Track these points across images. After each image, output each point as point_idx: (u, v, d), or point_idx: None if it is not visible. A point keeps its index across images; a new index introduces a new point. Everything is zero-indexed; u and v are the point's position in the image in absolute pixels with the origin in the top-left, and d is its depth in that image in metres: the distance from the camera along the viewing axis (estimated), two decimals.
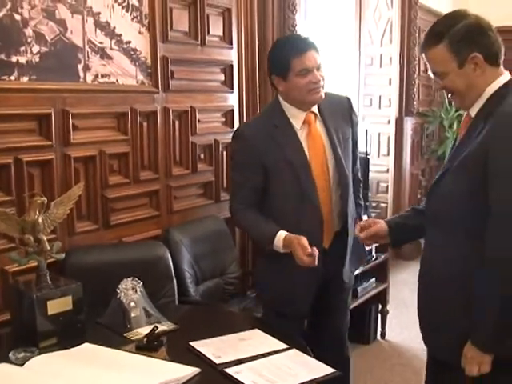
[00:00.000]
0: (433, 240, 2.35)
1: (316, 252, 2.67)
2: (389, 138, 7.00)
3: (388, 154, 7.00)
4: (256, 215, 2.98)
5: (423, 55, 2.28)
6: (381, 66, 6.90)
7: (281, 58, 2.88)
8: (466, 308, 2.17)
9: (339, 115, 3.02)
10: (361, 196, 3.28)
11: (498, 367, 2.15)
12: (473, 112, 2.24)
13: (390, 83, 6.90)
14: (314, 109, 2.97)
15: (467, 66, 2.16)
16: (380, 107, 6.99)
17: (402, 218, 2.73)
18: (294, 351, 2.42)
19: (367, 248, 2.68)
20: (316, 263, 2.67)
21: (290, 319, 2.96)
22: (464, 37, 2.15)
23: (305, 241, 2.71)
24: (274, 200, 2.99)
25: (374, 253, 4.76)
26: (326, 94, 2.97)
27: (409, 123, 7.18)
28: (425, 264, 2.41)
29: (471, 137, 2.18)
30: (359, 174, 3.28)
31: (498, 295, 2.07)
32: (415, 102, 7.10)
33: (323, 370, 2.28)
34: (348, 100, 3.13)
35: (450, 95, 2.32)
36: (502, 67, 2.22)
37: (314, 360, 2.35)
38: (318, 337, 3.13)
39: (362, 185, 3.35)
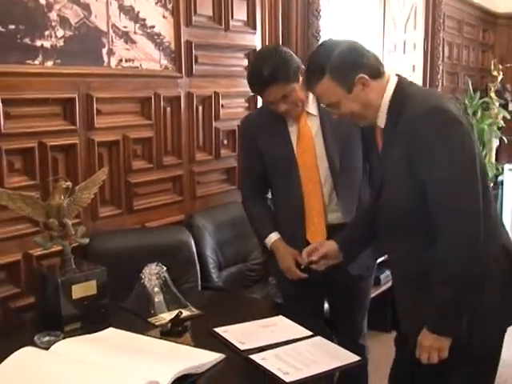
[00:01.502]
0: (394, 246, 2.36)
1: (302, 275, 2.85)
2: None
3: None
4: (258, 207, 3.10)
5: (311, 92, 2.35)
6: (404, 53, 6.80)
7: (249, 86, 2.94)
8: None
9: None
10: None
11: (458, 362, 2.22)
12: (381, 124, 2.27)
13: (413, 70, 6.81)
14: (311, 106, 2.92)
15: (355, 88, 2.20)
16: None
17: (348, 232, 2.69)
18: (318, 338, 2.40)
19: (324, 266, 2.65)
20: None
21: (305, 304, 2.96)
22: (344, 63, 2.19)
23: (290, 264, 2.90)
24: (272, 188, 3.10)
25: None
26: None
27: None
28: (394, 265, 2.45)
29: (391, 147, 2.22)
30: None
31: (450, 276, 2.09)
32: (439, 89, 7.03)
33: (348, 357, 2.26)
34: None
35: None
36: (386, 74, 2.27)
37: (338, 347, 2.33)
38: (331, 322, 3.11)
39: None
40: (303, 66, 2.77)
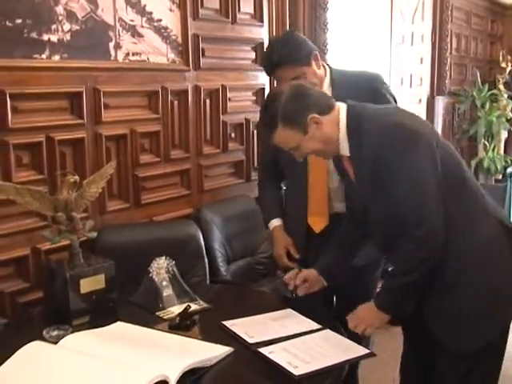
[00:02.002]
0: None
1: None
2: None
3: None
4: (269, 192, 3.19)
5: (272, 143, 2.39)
6: (412, 45, 6.78)
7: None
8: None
9: (358, 96, 2.94)
10: None
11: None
12: (345, 153, 2.34)
13: (421, 62, 6.78)
14: (326, 90, 2.90)
15: (310, 128, 2.28)
16: (411, 86, 6.88)
17: (327, 259, 2.69)
18: (327, 331, 2.40)
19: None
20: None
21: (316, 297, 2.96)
22: (292, 110, 2.27)
23: (282, 254, 3.02)
24: (285, 175, 3.15)
25: None
26: (349, 73, 3.04)
27: (440, 102, 7.07)
28: None
29: (363, 172, 2.30)
30: None
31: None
32: (447, 81, 7.00)
33: (358, 350, 2.26)
34: (374, 79, 3.04)
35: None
36: (335, 105, 2.34)
37: (348, 340, 2.32)
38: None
39: None
40: (316, 52, 2.87)
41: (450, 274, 2.24)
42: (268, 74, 3.04)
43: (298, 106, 2.27)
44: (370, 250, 2.78)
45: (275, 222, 3.09)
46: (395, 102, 3.06)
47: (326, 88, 2.93)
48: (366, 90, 2.94)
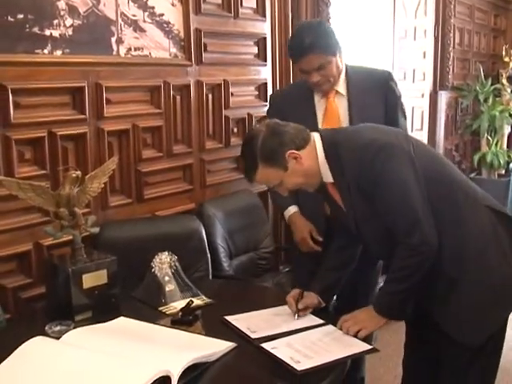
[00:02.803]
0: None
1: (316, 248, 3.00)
2: (422, 112, 6.88)
3: (422, 129, 6.88)
4: None
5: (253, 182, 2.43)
6: (415, 39, 6.76)
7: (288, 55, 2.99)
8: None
9: (372, 93, 3.00)
10: None
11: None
12: (329, 179, 2.36)
13: (424, 56, 6.76)
14: (341, 86, 2.98)
15: (290, 164, 2.30)
16: (414, 81, 6.86)
17: (325, 280, 2.64)
18: (330, 327, 2.39)
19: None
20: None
21: None
22: (269, 149, 2.29)
23: (307, 237, 3.03)
24: None
25: None
26: (363, 70, 3.09)
27: (443, 97, 7.05)
28: None
29: (349, 194, 2.32)
30: None
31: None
32: (450, 76, 6.98)
33: (360, 346, 2.25)
34: (386, 76, 3.09)
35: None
36: (310, 136, 2.35)
37: (350, 336, 2.32)
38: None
39: None
40: (341, 45, 2.90)
41: (452, 269, 2.25)
42: (296, 58, 2.94)
43: (275, 144, 2.29)
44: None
45: (292, 209, 3.09)
46: (401, 98, 3.10)
47: (342, 83, 2.97)
48: (378, 85, 3.01)
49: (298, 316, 2.49)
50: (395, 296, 2.30)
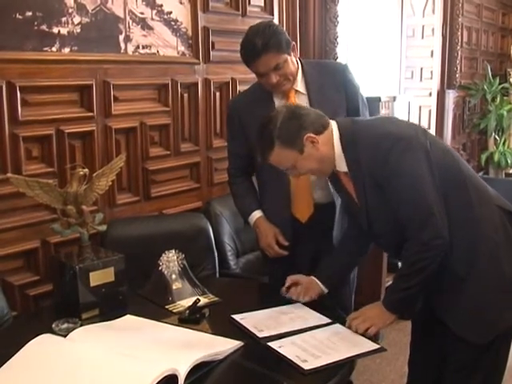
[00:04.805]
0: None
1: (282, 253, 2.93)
2: (430, 111, 6.88)
3: (429, 128, 6.86)
4: (244, 186, 3.09)
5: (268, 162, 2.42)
6: (423, 38, 6.75)
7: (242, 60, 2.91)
8: None
9: (330, 86, 2.97)
10: None
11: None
12: (342, 169, 2.37)
13: (431, 55, 6.76)
14: (300, 84, 2.93)
15: (306, 148, 2.31)
16: (421, 80, 6.86)
17: (332, 268, 2.67)
18: (337, 326, 2.39)
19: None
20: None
21: None
22: (288, 130, 2.31)
23: (272, 243, 2.94)
24: (257, 166, 3.03)
25: None
26: (318, 64, 3.12)
27: (451, 96, 7.04)
28: None
29: (363, 184, 2.32)
30: None
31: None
32: (457, 75, 6.97)
33: (367, 345, 2.24)
34: (342, 68, 3.05)
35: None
36: (329, 122, 2.37)
37: (357, 335, 2.31)
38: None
39: None
40: (293, 43, 2.86)
41: (462, 268, 2.25)
42: (250, 62, 2.86)
43: (294, 126, 2.30)
44: None
45: (257, 214, 3.02)
46: (359, 89, 3.07)
47: (300, 81, 2.93)
48: (336, 79, 2.97)
49: (287, 293, 2.58)
50: (406, 292, 2.29)
